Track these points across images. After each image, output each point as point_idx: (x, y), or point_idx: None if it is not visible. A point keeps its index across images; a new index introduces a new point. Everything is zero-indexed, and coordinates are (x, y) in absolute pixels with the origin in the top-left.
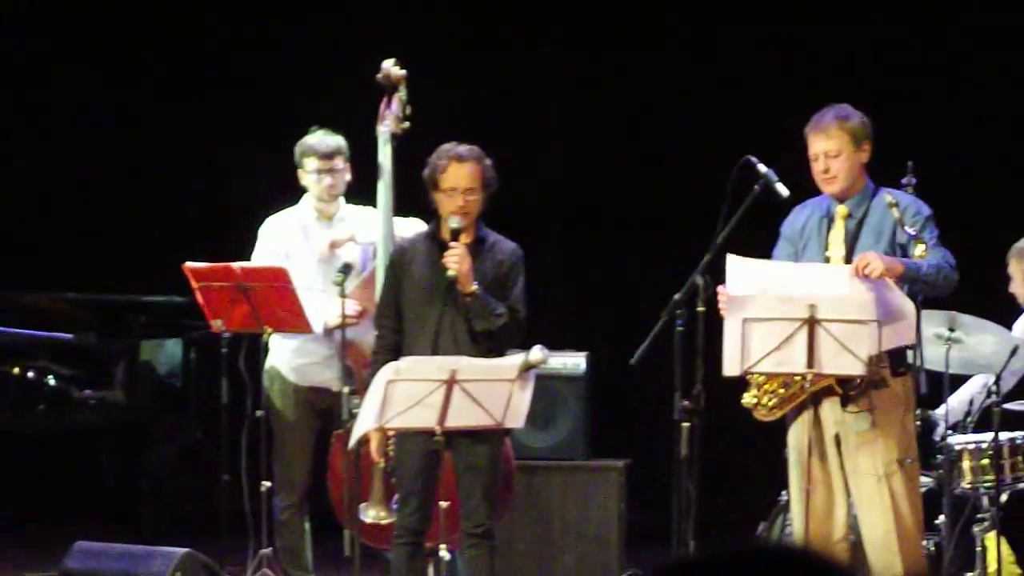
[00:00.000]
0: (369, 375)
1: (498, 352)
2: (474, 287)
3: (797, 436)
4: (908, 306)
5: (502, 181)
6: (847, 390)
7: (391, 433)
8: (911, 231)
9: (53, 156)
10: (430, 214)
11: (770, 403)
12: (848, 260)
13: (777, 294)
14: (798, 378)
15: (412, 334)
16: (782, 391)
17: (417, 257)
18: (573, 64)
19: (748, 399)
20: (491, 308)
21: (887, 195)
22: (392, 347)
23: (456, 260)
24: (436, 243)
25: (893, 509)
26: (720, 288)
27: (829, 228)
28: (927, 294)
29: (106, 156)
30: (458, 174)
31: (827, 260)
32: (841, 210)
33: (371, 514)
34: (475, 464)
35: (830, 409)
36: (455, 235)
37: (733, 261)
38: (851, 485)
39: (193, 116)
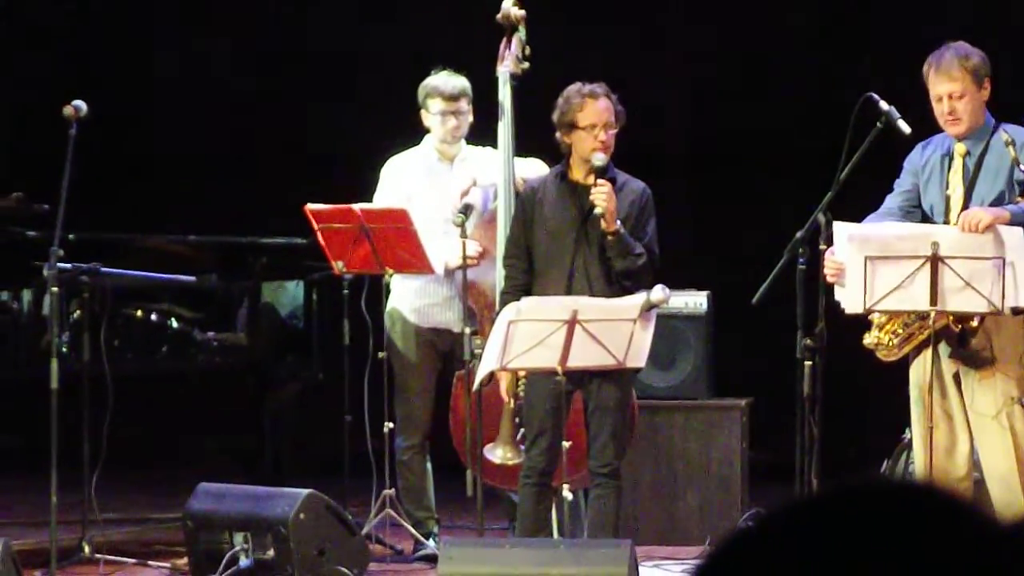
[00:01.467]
0: (497, 315)
1: (631, 293)
2: (618, 225)
3: (918, 374)
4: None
5: (629, 122)
6: (965, 328)
7: (522, 374)
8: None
9: (170, 97)
10: (551, 155)
11: (891, 343)
12: (967, 198)
13: (897, 231)
14: (916, 318)
15: (544, 275)
16: (902, 331)
17: (548, 198)
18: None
19: (870, 339)
20: (631, 247)
21: (1003, 131)
22: (521, 287)
23: (605, 197)
24: (567, 183)
25: (1014, 447)
26: (827, 254)
27: (950, 167)
28: None
29: (230, 97)
30: (595, 110)
31: (947, 199)
32: (960, 148)
33: (499, 454)
34: (605, 404)
35: (948, 348)
36: (600, 172)
37: (840, 227)
38: (972, 424)
39: (317, 54)
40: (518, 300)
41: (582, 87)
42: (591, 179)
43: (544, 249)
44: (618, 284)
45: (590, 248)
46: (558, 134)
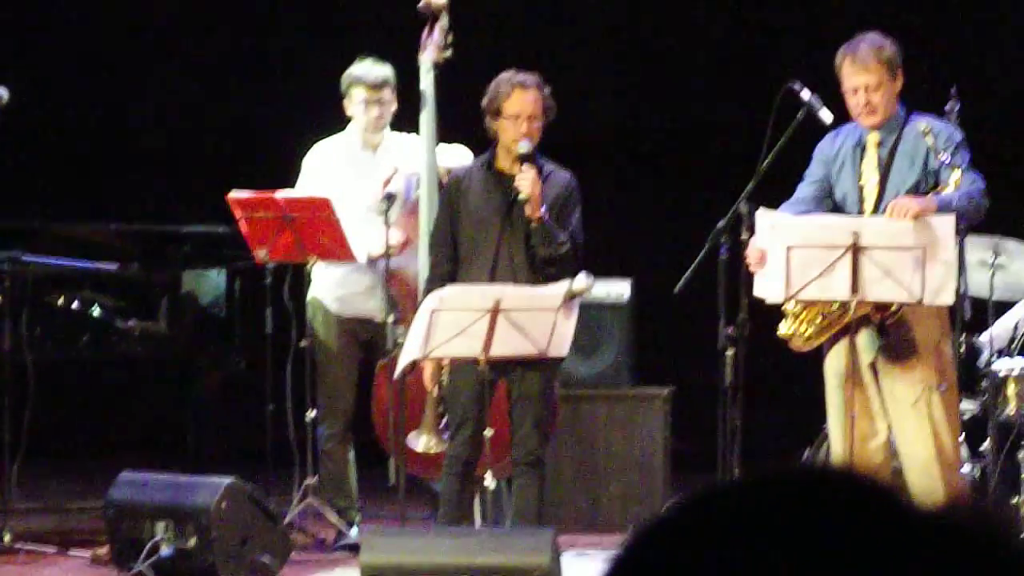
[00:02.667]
0: (420, 303)
1: (555, 281)
2: (542, 212)
3: (835, 363)
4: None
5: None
6: (884, 317)
7: (445, 362)
8: (944, 158)
9: (98, 87)
10: (474, 142)
11: (807, 332)
12: (882, 188)
13: (820, 221)
14: (835, 307)
15: (468, 263)
16: (819, 320)
17: (473, 186)
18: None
19: (784, 330)
20: (555, 235)
21: (920, 122)
22: (446, 276)
23: (529, 183)
24: (493, 172)
25: (933, 435)
26: (750, 243)
27: (862, 156)
28: (959, 225)
29: (153, 87)
30: (522, 100)
31: (860, 189)
32: (873, 138)
33: (422, 442)
34: (528, 393)
35: (867, 337)
36: (524, 159)
37: (762, 215)
38: (889, 412)
39: (240, 45)
40: (442, 288)
41: (514, 75)
42: (516, 168)
43: (469, 237)
44: (542, 272)
45: (515, 236)
46: (486, 120)
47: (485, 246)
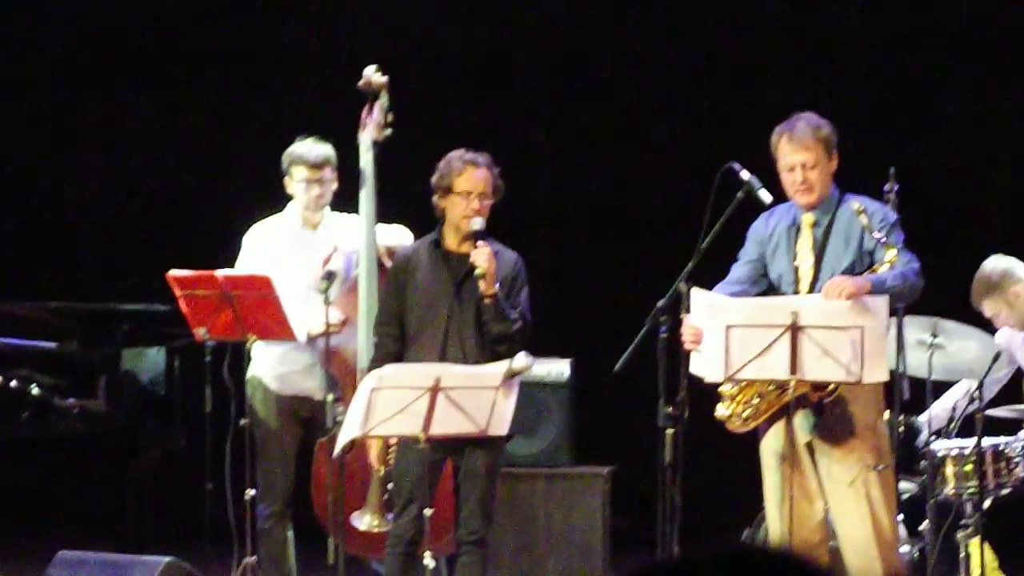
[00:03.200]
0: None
1: (501, 359)
2: (496, 288)
3: (772, 444)
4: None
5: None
6: (821, 397)
7: (392, 440)
8: (880, 236)
9: (34, 165)
10: (413, 221)
11: (744, 414)
12: (817, 268)
13: (759, 301)
14: (773, 387)
15: (418, 343)
16: (756, 401)
17: (421, 265)
18: (558, 69)
19: (723, 411)
20: (507, 312)
21: (855, 201)
22: (392, 355)
23: (485, 258)
24: (440, 251)
25: (870, 515)
26: (685, 321)
27: (797, 236)
28: (894, 304)
29: (90, 164)
30: (473, 178)
31: (796, 269)
32: (808, 218)
33: (366, 521)
34: (475, 471)
35: (803, 417)
36: (477, 237)
37: (698, 294)
38: (827, 492)
39: (177, 123)
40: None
41: (464, 154)
42: (464, 246)
43: (417, 316)
44: (492, 351)
45: (464, 315)
46: (435, 197)
47: (434, 325)
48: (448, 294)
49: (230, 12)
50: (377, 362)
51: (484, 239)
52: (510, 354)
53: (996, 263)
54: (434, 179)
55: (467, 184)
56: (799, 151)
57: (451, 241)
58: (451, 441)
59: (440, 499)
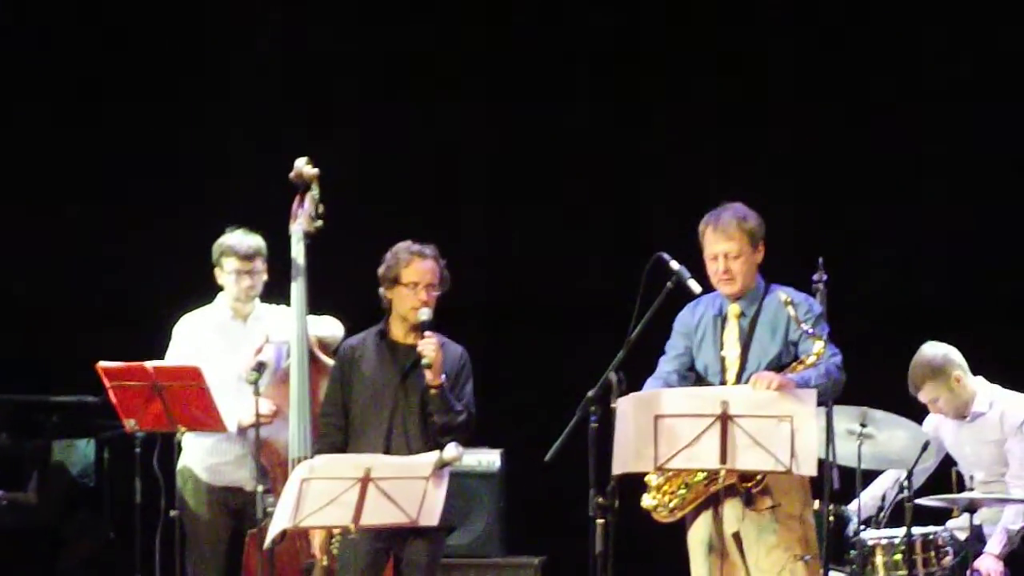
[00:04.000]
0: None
1: None
2: (442, 379)
3: (700, 534)
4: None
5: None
6: (749, 487)
7: (336, 531)
8: (807, 328)
9: None
10: (345, 313)
11: (671, 504)
12: (743, 358)
13: (688, 391)
14: (699, 477)
15: (362, 433)
16: (683, 491)
17: (366, 355)
18: (487, 160)
19: (648, 501)
20: (453, 403)
21: (781, 292)
22: (335, 446)
23: (432, 349)
24: (387, 341)
25: None
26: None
27: (723, 327)
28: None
29: (16, 255)
30: (420, 269)
31: (722, 359)
32: (734, 309)
33: None
34: (416, 561)
35: (731, 507)
36: (424, 327)
37: (624, 403)
38: None
39: (107, 214)
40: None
41: (411, 245)
42: (411, 337)
43: (362, 407)
44: (436, 442)
45: (408, 406)
46: (381, 289)
47: (379, 416)
48: (394, 384)
49: (163, 106)
50: (321, 452)
51: (431, 330)
52: None
53: (936, 349)
54: (381, 270)
55: (414, 275)
56: (722, 241)
57: (397, 332)
58: (392, 531)
59: None
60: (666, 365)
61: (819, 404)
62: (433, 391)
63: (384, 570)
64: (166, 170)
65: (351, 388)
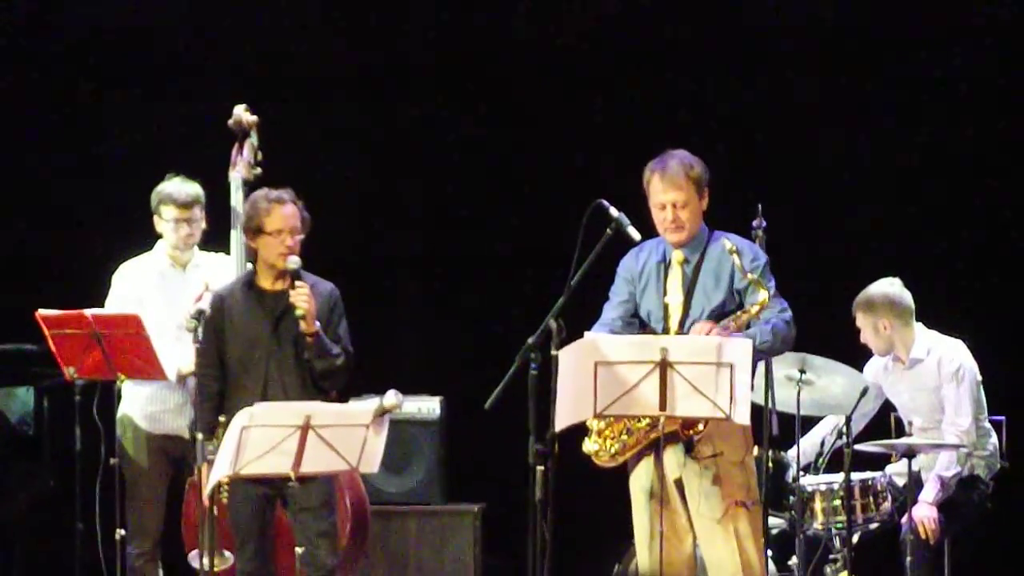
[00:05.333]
0: (192, 426)
1: (325, 396)
2: (316, 326)
3: (642, 480)
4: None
5: (359, 224)
6: (691, 434)
7: (224, 481)
8: (752, 277)
9: None
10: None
11: (612, 449)
12: (687, 305)
13: (628, 338)
14: (641, 424)
15: (238, 384)
16: (625, 437)
17: (236, 306)
18: (427, 106)
19: (589, 446)
20: (329, 348)
21: (726, 240)
22: (215, 396)
23: (304, 298)
24: (255, 291)
25: (739, 551)
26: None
27: (667, 273)
28: (768, 358)
29: None
30: (283, 215)
31: (666, 306)
32: (678, 255)
33: (204, 562)
34: (307, 505)
35: (673, 454)
36: (294, 276)
37: (564, 354)
38: (696, 528)
39: (44, 162)
40: (214, 408)
41: (268, 193)
42: (279, 284)
43: (236, 358)
44: (315, 387)
45: (283, 354)
46: (245, 239)
47: (254, 366)
48: (266, 334)
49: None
50: (203, 403)
51: (300, 277)
52: (334, 388)
53: (886, 289)
54: (242, 222)
55: (277, 223)
56: (670, 190)
57: (265, 280)
58: (280, 479)
59: (285, 535)
60: (610, 312)
61: (768, 356)
62: (309, 339)
63: (273, 514)
64: (104, 117)
65: (224, 339)
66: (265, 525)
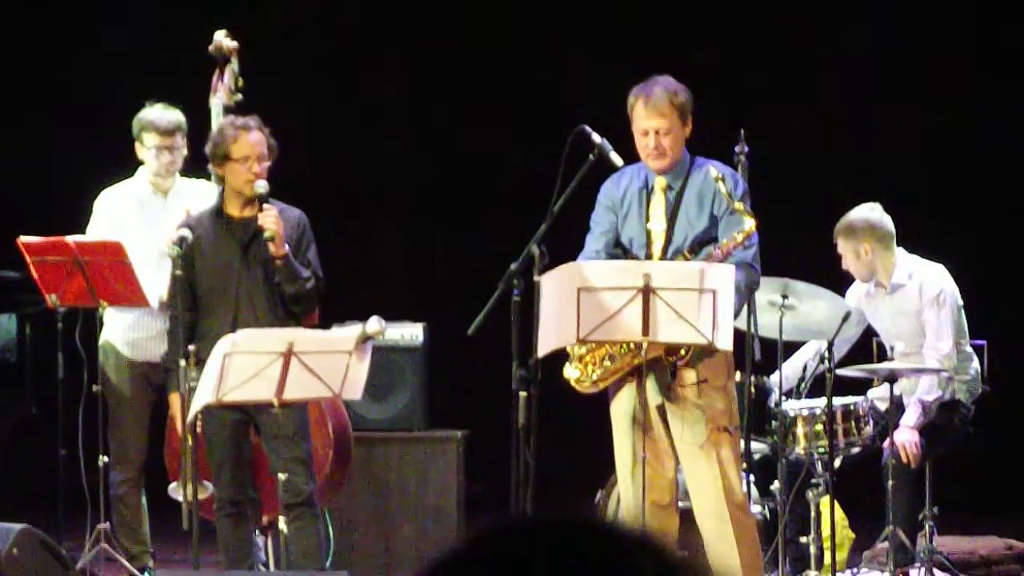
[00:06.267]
0: (166, 356)
1: (296, 321)
2: (286, 249)
3: (624, 406)
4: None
5: (342, 156)
6: (674, 360)
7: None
8: (739, 205)
9: None
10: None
11: (594, 375)
12: (670, 231)
13: (610, 264)
14: (624, 349)
15: (210, 311)
16: (608, 363)
17: (205, 234)
18: (408, 38)
19: (570, 371)
20: (299, 271)
21: (711, 167)
22: (190, 325)
23: (273, 221)
24: (223, 218)
25: (721, 476)
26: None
27: (649, 199)
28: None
29: None
30: (248, 143)
31: (648, 232)
32: (661, 182)
33: (183, 492)
34: (279, 432)
35: (655, 379)
36: (262, 200)
37: (547, 279)
38: (679, 454)
39: (26, 89)
40: (187, 340)
41: (235, 120)
42: (247, 211)
43: (207, 286)
44: (285, 311)
45: (254, 280)
46: (211, 166)
47: (225, 292)
48: (236, 260)
49: None
50: (174, 332)
51: (268, 201)
52: (305, 313)
53: (867, 214)
54: (208, 149)
55: (244, 149)
56: (654, 116)
57: (233, 208)
58: (255, 405)
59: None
60: (593, 243)
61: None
62: (279, 262)
63: (247, 440)
64: (87, 43)
65: (194, 269)
66: (240, 451)
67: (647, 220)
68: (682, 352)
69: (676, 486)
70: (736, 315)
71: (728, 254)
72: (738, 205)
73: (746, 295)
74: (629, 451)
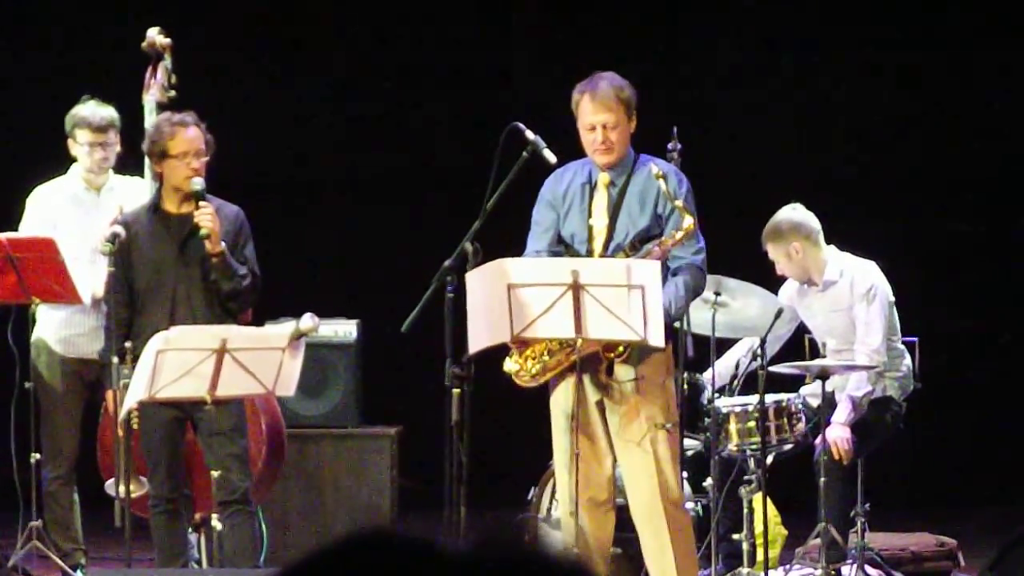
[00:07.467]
0: (104, 352)
1: (234, 318)
2: (222, 246)
3: (562, 401)
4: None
5: (271, 146)
6: (611, 357)
7: (134, 406)
8: (679, 203)
9: None
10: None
11: (533, 369)
12: (612, 227)
13: (539, 260)
14: (563, 346)
15: (147, 308)
16: (546, 358)
17: (142, 231)
18: (338, 28)
19: (510, 365)
20: (236, 268)
21: (653, 165)
22: (124, 321)
23: (209, 218)
24: (160, 214)
25: (657, 472)
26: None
27: (592, 195)
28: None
29: None
30: (186, 138)
31: (590, 228)
32: (604, 178)
33: (120, 489)
34: (217, 429)
35: (594, 375)
36: (199, 197)
37: (472, 277)
38: (616, 451)
39: None
40: (122, 337)
41: (172, 116)
42: (184, 207)
43: (145, 283)
44: (222, 308)
45: (191, 277)
46: (149, 163)
47: (162, 289)
48: (172, 257)
49: None
50: (111, 330)
51: (204, 198)
52: (242, 310)
53: (790, 214)
54: (145, 145)
55: (182, 145)
56: (601, 111)
57: (170, 204)
58: (192, 402)
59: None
60: (534, 243)
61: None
62: (215, 259)
63: (183, 437)
64: (17, 38)
65: (131, 264)
66: (175, 448)
67: (589, 216)
68: (620, 349)
69: (613, 483)
70: (681, 316)
71: (667, 252)
72: (678, 203)
73: (691, 298)
74: (566, 447)
